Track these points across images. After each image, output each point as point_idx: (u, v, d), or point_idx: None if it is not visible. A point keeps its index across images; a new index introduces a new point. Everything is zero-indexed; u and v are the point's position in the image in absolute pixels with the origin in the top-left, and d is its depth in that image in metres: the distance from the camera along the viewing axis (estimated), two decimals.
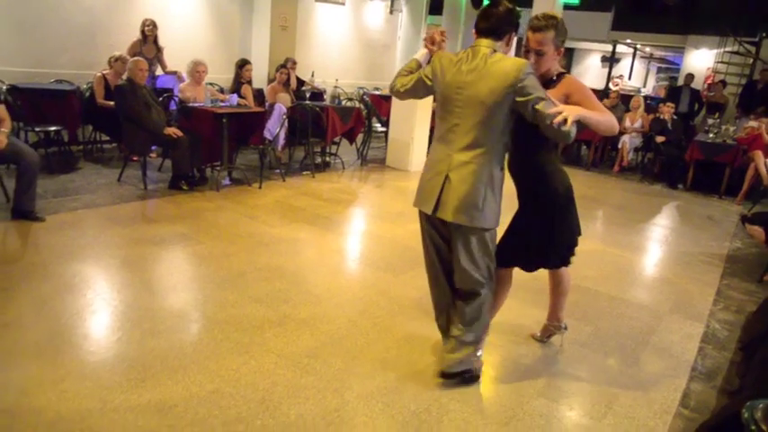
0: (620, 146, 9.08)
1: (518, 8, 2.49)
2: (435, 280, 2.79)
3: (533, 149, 2.63)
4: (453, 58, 2.49)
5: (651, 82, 18.34)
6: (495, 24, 2.44)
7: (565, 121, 2.22)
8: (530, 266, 2.85)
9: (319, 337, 3.11)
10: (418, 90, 2.65)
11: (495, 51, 2.41)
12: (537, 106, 2.29)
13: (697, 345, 3.44)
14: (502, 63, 2.35)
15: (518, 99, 2.33)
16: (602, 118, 2.45)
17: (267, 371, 2.74)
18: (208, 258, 4.06)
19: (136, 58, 5.75)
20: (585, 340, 3.37)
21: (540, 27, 2.50)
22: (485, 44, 2.43)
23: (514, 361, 3.07)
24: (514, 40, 2.55)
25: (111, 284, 3.55)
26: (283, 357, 2.86)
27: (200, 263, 3.98)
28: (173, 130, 5.48)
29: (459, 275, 2.63)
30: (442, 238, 2.67)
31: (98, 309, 3.23)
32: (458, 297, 2.70)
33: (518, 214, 2.78)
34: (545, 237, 2.69)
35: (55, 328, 2.95)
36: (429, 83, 2.58)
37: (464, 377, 2.73)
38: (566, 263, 2.83)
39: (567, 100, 2.50)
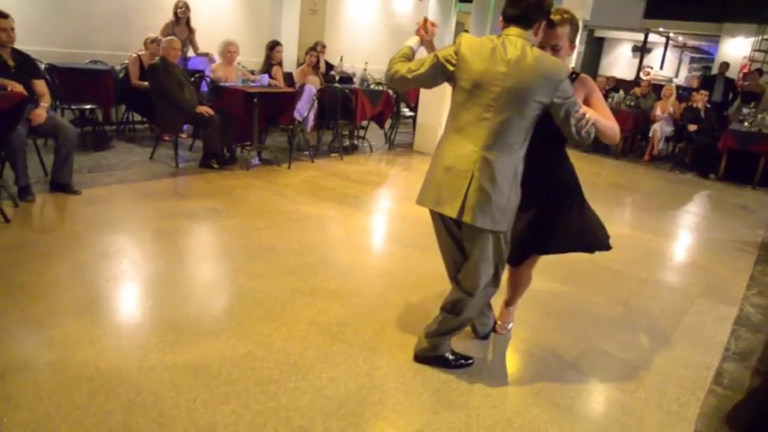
0: (650, 134, 8.93)
1: None
2: (453, 267, 2.64)
3: (548, 141, 2.49)
4: (485, 44, 2.26)
5: (683, 72, 17.93)
6: (525, 11, 2.25)
7: (588, 122, 2.23)
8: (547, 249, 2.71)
9: (349, 307, 3.14)
10: (436, 76, 2.37)
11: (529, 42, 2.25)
12: (572, 110, 2.23)
13: (730, 327, 3.40)
14: (547, 60, 2.22)
15: (555, 101, 2.21)
16: (610, 125, 2.41)
17: (299, 337, 2.78)
18: (238, 232, 4.12)
19: (169, 37, 5.82)
20: (616, 318, 3.35)
21: (558, 22, 2.41)
22: (514, 33, 2.25)
23: (544, 336, 3.06)
24: (542, 29, 2.36)
25: (144, 254, 3.63)
26: (314, 325, 2.90)
27: (231, 236, 4.05)
28: (205, 109, 5.56)
29: (464, 273, 2.50)
30: (454, 234, 2.53)
31: (133, 276, 3.31)
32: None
33: (523, 209, 2.52)
34: (570, 222, 2.59)
35: (92, 292, 3.04)
36: (451, 68, 2.31)
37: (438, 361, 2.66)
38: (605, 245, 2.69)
39: (585, 100, 2.45)
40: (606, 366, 2.83)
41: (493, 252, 2.41)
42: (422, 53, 2.53)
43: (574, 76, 2.49)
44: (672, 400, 2.58)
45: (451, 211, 2.32)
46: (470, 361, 2.68)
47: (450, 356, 2.66)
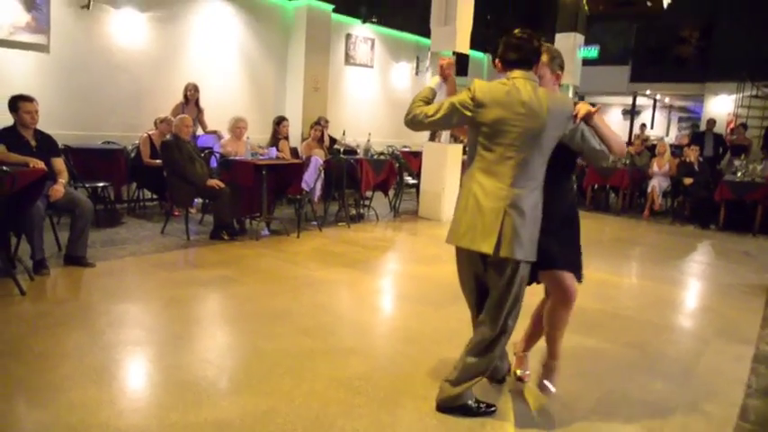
0: (649, 190, 9.12)
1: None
2: (477, 308, 2.70)
3: (560, 171, 2.63)
4: (499, 88, 2.42)
5: (673, 131, 18.48)
6: (527, 55, 2.45)
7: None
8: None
9: (368, 362, 3.15)
10: (451, 120, 2.50)
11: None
12: (585, 133, 2.45)
13: (749, 365, 3.38)
14: (557, 97, 2.44)
15: (568, 131, 2.44)
16: (614, 133, 2.57)
17: (319, 392, 2.78)
18: (252, 298, 4.17)
19: (182, 115, 6.10)
20: (633, 362, 3.34)
21: None
22: (520, 75, 2.43)
23: (561, 382, 3.04)
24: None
25: (160, 320, 3.67)
26: (334, 380, 2.91)
27: (246, 301, 4.09)
28: (215, 182, 5.74)
29: (487, 311, 2.55)
30: (477, 273, 2.61)
31: (150, 340, 3.33)
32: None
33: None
34: (570, 244, 2.70)
35: (110, 357, 3.05)
36: (469, 113, 2.44)
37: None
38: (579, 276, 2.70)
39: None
40: (628, 408, 2.81)
41: (518, 285, 2.50)
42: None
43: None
44: None
45: (488, 248, 2.41)
46: (493, 408, 2.67)
47: (473, 404, 2.65)
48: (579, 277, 2.69)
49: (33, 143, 4.57)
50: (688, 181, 8.58)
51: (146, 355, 3.16)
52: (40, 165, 4.24)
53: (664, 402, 2.87)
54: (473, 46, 8.05)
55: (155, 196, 7.36)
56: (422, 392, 2.82)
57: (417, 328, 3.74)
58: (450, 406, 2.63)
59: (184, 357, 3.12)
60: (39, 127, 4.65)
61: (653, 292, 4.88)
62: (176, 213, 6.58)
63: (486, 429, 2.53)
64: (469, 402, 2.64)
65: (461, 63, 12.28)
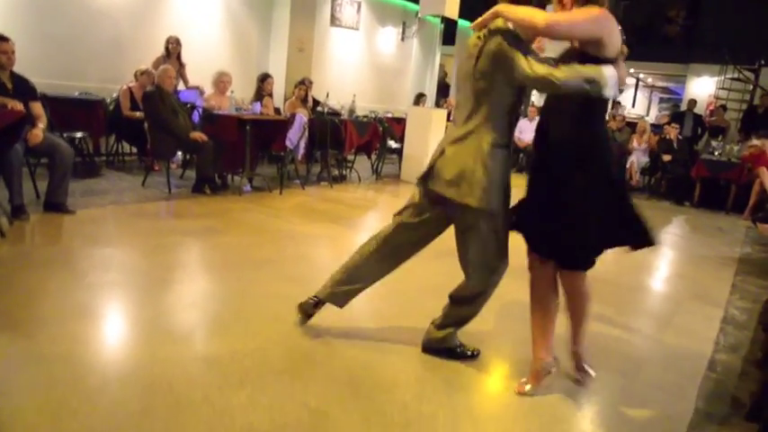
0: (628, 165, 9.27)
1: None
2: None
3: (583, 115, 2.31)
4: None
5: (654, 112, 18.73)
6: None
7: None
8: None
9: (353, 308, 3.16)
10: None
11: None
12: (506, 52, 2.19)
13: (718, 325, 3.52)
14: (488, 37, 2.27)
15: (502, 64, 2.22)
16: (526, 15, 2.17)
17: (308, 336, 2.81)
18: (237, 247, 4.17)
19: (165, 66, 5.97)
20: (609, 318, 3.45)
21: None
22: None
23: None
24: None
25: (145, 265, 3.65)
26: (321, 323, 2.94)
27: (230, 250, 4.09)
28: (198, 135, 5.66)
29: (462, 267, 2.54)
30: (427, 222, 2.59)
31: (136, 283, 3.33)
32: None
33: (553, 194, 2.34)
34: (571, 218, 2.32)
35: (96, 296, 3.04)
36: None
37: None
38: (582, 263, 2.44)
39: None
40: (606, 356, 2.91)
41: (477, 237, 2.45)
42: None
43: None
44: (672, 383, 2.67)
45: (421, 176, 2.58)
46: (477, 353, 2.74)
47: (458, 348, 2.72)
48: (582, 264, 2.41)
49: (9, 86, 4.42)
50: (667, 158, 8.74)
51: (131, 297, 3.15)
52: (19, 106, 4.12)
53: (639, 353, 2.99)
54: (462, 15, 7.96)
55: (134, 150, 7.22)
56: (407, 336, 2.87)
57: (402, 279, 3.74)
58: (435, 348, 2.70)
59: (171, 300, 3.13)
60: None
61: (630, 258, 4.97)
62: (156, 168, 6.48)
63: (467, 370, 2.61)
64: (454, 346, 2.71)
65: (449, 30, 12.21)
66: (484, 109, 2.32)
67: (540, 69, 2.13)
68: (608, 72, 2.10)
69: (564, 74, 2.11)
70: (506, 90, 2.29)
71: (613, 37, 2.20)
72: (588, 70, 2.11)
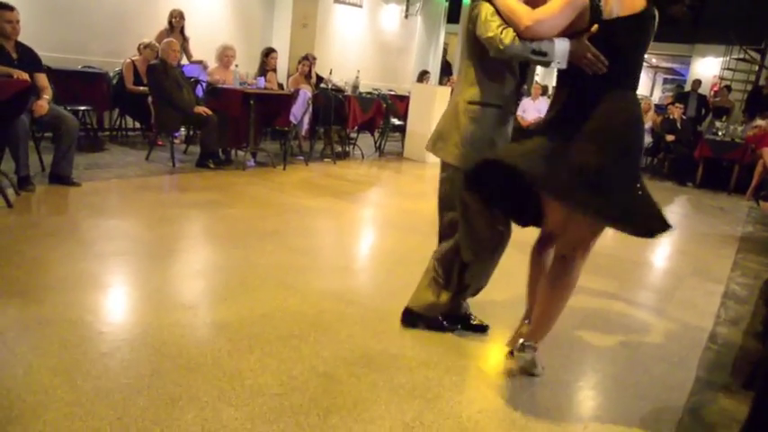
0: None
1: None
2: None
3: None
4: None
5: (657, 92, 18.62)
6: None
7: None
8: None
9: (358, 279, 3.24)
10: None
11: None
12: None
13: (719, 300, 3.56)
14: None
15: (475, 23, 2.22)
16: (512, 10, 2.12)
17: (313, 302, 2.85)
18: (242, 219, 4.19)
19: (168, 39, 5.94)
20: (613, 293, 3.49)
21: None
22: None
23: None
24: None
25: (151, 235, 3.67)
26: (327, 293, 2.98)
27: (235, 222, 4.11)
28: (203, 109, 5.65)
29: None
30: None
31: (144, 252, 3.35)
32: None
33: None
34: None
35: (104, 264, 3.08)
36: None
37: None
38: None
39: None
40: (608, 328, 2.95)
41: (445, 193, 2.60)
42: None
43: None
44: (673, 354, 2.71)
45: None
46: (457, 326, 2.70)
47: (445, 322, 2.70)
48: (591, 209, 2.19)
49: (15, 56, 4.40)
50: (670, 137, 8.72)
51: (139, 265, 3.18)
52: (24, 76, 4.10)
53: (641, 326, 3.03)
54: None
55: (138, 125, 7.21)
56: None
57: (404, 252, 3.82)
58: (418, 312, 2.67)
59: (178, 269, 3.16)
60: None
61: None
62: (160, 143, 6.48)
63: (474, 339, 2.64)
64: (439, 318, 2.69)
65: (455, 9, 12.09)
66: (470, 71, 2.40)
67: (490, 31, 2.13)
68: (559, 46, 2.08)
69: (511, 39, 2.10)
70: (484, 48, 2.22)
71: (585, 15, 2.15)
72: (540, 43, 2.09)
